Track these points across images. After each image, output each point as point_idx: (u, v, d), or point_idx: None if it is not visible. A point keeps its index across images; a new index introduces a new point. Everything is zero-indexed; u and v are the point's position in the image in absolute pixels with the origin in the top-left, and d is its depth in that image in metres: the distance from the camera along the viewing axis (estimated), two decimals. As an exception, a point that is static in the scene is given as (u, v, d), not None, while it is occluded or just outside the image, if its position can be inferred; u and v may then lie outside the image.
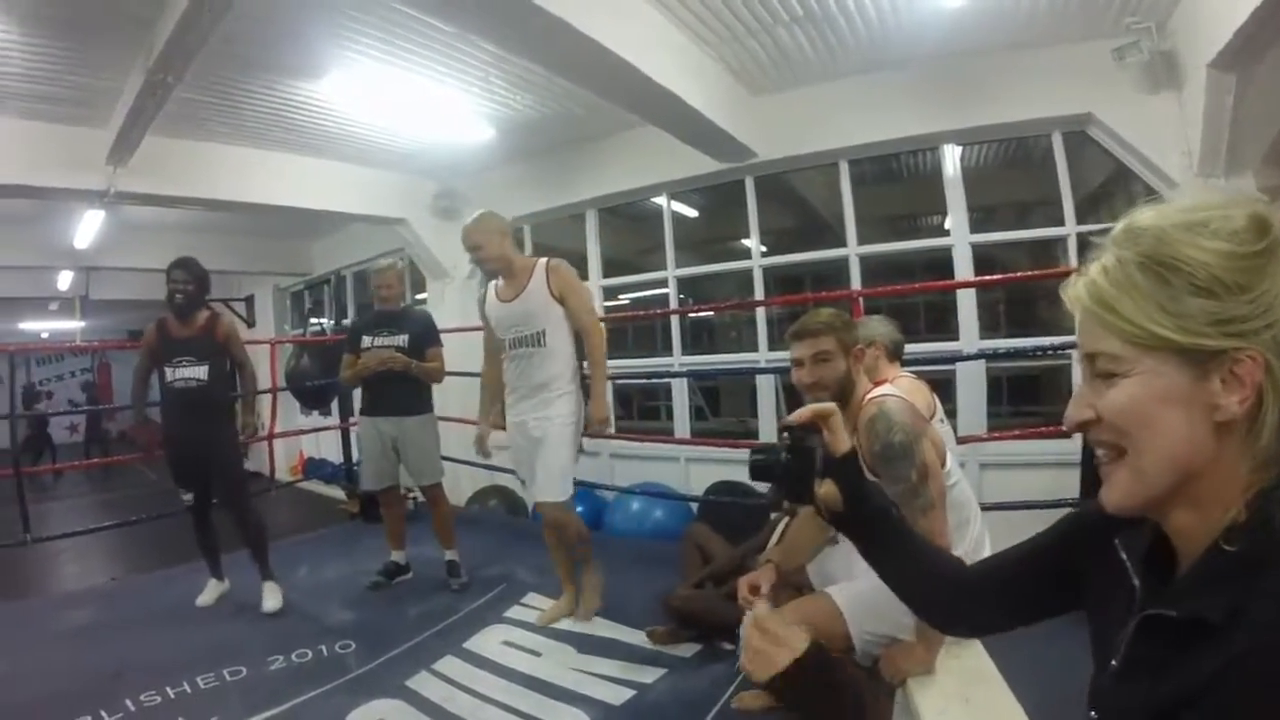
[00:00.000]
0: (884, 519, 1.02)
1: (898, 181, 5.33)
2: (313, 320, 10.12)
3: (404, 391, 3.92)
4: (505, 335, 3.23)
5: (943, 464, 2.02)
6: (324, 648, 3.23)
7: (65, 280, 9.34)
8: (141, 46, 3.72)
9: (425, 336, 4.00)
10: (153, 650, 3.25)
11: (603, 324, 3.54)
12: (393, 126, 5.33)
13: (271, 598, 3.73)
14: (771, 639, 0.94)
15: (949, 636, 1.86)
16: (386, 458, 3.97)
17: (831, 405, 1.01)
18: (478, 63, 4.30)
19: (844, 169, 4.96)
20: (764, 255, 5.48)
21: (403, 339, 3.94)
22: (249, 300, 10.62)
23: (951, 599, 1.01)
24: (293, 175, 5.90)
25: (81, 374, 16.88)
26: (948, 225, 4.75)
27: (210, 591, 3.89)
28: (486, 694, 2.76)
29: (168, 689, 2.88)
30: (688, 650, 3.00)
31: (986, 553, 2.09)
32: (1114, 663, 0.71)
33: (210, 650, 3.19)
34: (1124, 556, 0.76)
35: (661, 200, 5.88)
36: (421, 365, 3.91)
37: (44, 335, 13.73)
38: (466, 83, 4.55)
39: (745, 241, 5.57)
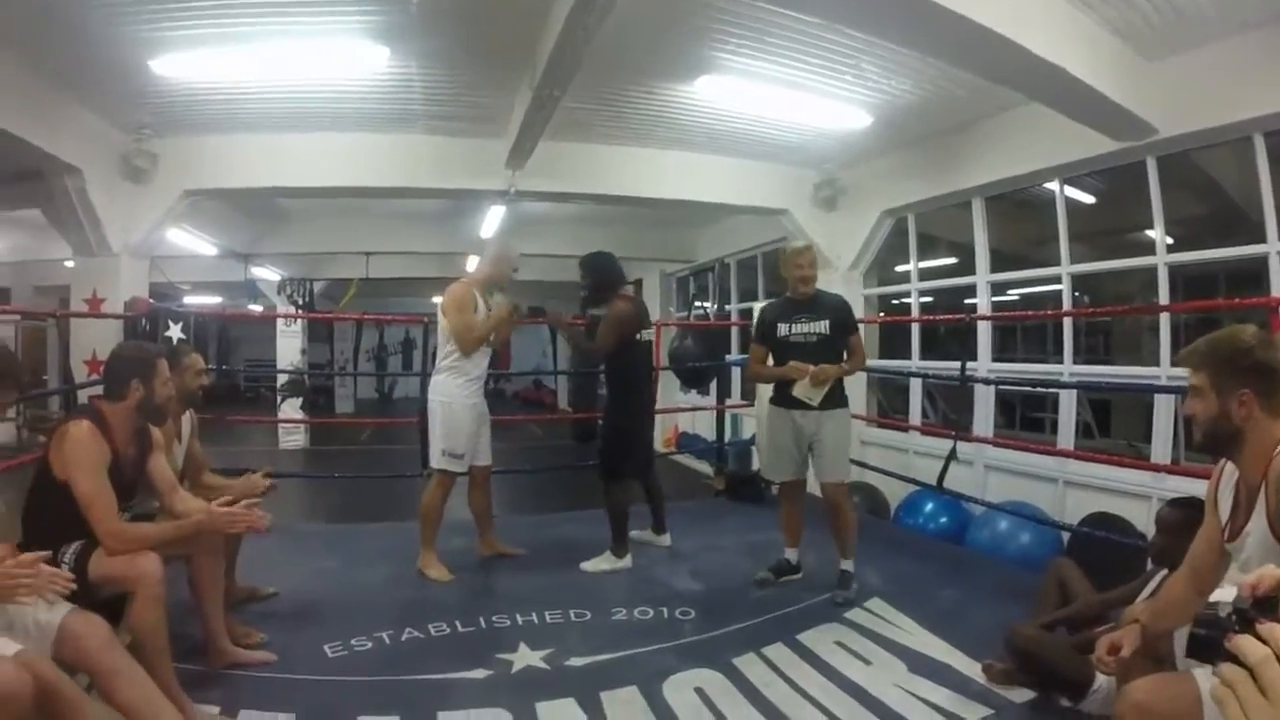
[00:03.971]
0: None
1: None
2: (696, 304, 10.76)
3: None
4: None
5: None
6: (665, 610, 3.49)
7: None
8: (526, 67, 4.30)
9: (847, 324, 3.72)
10: (513, 581, 3.82)
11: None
12: (770, 119, 5.46)
13: (600, 563, 4.07)
14: None
15: None
16: (799, 449, 3.70)
17: None
18: (848, 50, 4.22)
19: (1259, 144, 3.92)
20: (1170, 250, 4.58)
21: (823, 325, 3.64)
22: (637, 284, 11.64)
23: None
24: (677, 170, 6.37)
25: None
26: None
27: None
28: (805, 689, 2.76)
29: (517, 615, 3.36)
30: (1020, 695, 2.67)
31: None
32: None
33: (563, 591, 3.65)
34: None
35: (1054, 186, 5.21)
36: (852, 364, 3.73)
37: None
38: (838, 72, 4.50)
39: (1149, 233, 4.69)
